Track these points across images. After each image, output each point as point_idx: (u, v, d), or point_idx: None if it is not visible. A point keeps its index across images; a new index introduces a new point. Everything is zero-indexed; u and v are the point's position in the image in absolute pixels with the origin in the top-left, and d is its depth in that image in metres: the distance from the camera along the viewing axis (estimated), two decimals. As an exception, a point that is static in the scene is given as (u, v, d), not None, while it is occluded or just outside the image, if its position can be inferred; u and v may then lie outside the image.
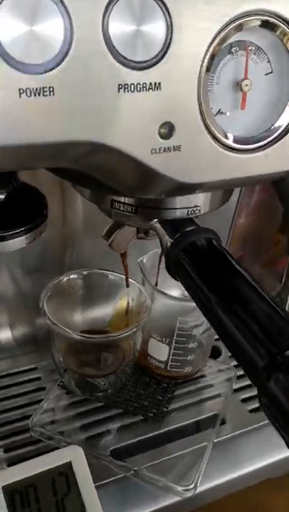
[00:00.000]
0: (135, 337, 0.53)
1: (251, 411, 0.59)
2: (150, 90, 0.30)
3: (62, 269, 0.61)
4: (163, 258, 0.49)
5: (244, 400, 0.60)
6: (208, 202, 0.43)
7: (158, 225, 0.45)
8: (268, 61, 0.34)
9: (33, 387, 0.60)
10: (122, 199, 0.42)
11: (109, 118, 0.29)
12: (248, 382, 0.62)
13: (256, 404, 0.59)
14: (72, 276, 0.55)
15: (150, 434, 0.55)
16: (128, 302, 0.55)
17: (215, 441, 0.54)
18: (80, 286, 0.56)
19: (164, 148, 0.31)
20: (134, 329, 0.50)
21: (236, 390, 0.61)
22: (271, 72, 0.34)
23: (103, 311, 0.58)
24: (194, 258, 0.41)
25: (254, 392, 0.61)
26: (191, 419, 0.57)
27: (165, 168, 0.32)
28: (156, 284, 0.55)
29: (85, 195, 0.44)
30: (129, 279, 0.55)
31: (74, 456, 0.48)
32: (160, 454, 0.53)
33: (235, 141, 0.34)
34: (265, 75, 0.34)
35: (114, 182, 0.35)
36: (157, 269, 0.55)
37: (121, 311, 0.57)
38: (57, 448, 0.51)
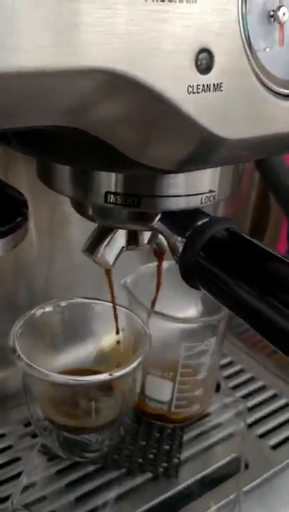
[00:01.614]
0: (136, 374, 0.42)
1: (274, 447, 0.49)
2: (184, 1, 0.22)
3: (15, 309, 0.50)
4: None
5: (262, 436, 0.51)
6: (221, 186, 0.35)
7: (161, 225, 0.36)
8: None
9: (5, 458, 0.47)
10: (120, 189, 0.33)
11: (134, 37, 0.21)
12: (262, 413, 0.53)
13: (278, 438, 0.50)
14: (46, 309, 0.44)
15: (166, 495, 0.44)
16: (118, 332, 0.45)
17: (244, 490, 0.44)
18: (58, 319, 0.45)
19: (203, 86, 0.23)
20: (137, 362, 0.40)
21: (250, 425, 0.51)
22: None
23: (87, 349, 0.48)
24: (219, 255, 0.32)
25: (271, 424, 0.52)
26: (209, 468, 0.46)
27: (203, 115, 0.24)
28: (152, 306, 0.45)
29: (63, 189, 0.34)
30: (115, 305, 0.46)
31: None
32: (183, 518, 0.42)
33: (282, 84, 0.27)
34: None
35: (121, 142, 0.25)
36: (156, 285, 0.46)
37: (108, 345, 0.47)
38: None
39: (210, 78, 0.23)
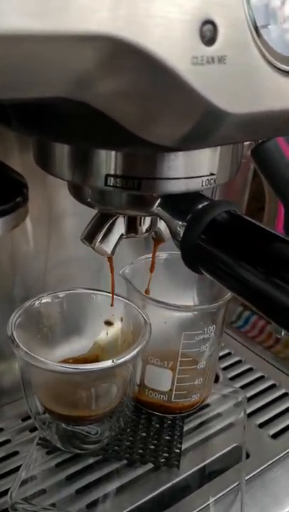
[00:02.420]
0: (136, 363, 0.42)
1: (274, 436, 0.49)
2: None
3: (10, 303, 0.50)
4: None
5: (262, 425, 0.50)
6: (221, 170, 0.35)
7: (161, 210, 0.36)
8: None
9: (3, 452, 0.46)
10: (121, 171, 0.32)
11: (138, 4, 0.20)
12: (261, 403, 0.53)
13: (277, 428, 0.50)
14: (45, 299, 0.44)
15: (168, 485, 0.43)
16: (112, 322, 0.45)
17: (246, 479, 0.44)
18: (57, 310, 0.44)
19: (208, 58, 0.23)
20: (137, 350, 0.39)
21: (249, 415, 0.51)
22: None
23: (86, 339, 0.47)
24: (221, 237, 0.32)
25: (270, 413, 0.52)
26: (210, 457, 0.46)
27: (207, 88, 0.24)
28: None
29: (61, 172, 0.34)
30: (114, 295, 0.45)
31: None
32: (186, 508, 0.41)
33: (285, 61, 0.26)
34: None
35: (124, 115, 0.25)
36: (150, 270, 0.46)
37: (107, 335, 0.46)
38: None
39: (214, 50, 0.23)
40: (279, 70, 0.26)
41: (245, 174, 0.71)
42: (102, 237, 0.40)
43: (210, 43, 0.23)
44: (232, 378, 0.56)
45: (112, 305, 0.45)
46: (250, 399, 0.53)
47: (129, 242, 0.54)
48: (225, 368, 0.58)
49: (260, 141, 0.43)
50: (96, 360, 0.45)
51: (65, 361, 0.45)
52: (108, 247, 0.40)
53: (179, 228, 0.34)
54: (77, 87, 0.22)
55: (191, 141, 0.27)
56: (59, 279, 0.54)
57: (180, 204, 0.34)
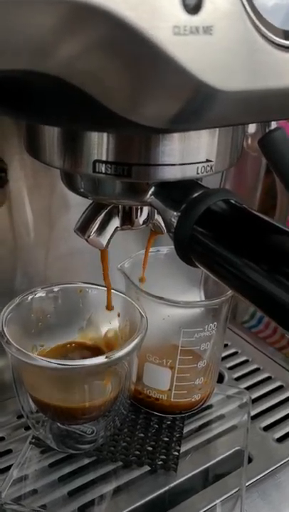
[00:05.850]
0: (132, 359, 0.40)
1: (279, 440, 0.47)
2: None
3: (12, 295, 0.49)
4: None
5: (266, 428, 0.48)
6: (219, 156, 0.33)
7: (154, 199, 0.34)
8: None
9: (-3, 451, 0.45)
10: (110, 157, 0.30)
11: None
12: (266, 405, 0.51)
13: (283, 431, 0.48)
14: (39, 294, 0.42)
15: (164, 489, 0.41)
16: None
17: (247, 484, 0.42)
18: (51, 305, 0.43)
19: (191, 28, 0.21)
20: (132, 345, 0.37)
21: (253, 417, 0.49)
22: None
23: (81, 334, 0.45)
24: (216, 228, 0.30)
25: (276, 416, 0.50)
26: (210, 461, 0.44)
27: (191, 60, 0.22)
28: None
29: (51, 160, 0.32)
30: (111, 290, 0.43)
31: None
32: (182, 513, 0.39)
33: (279, 33, 0.24)
34: None
35: (104, 93, 0.23)
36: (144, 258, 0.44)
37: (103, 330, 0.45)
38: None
39: (199, 20, 0.21)
40: (275, 44, 0.24)
41: (257, 169, 0.69)
42: (97, 229, 0.38)
43: (194, 12, 0.21)
44: (237, 378, 0.54)
45: (108, 304, 0.43)
46: (256, 400, 0.51)
47: (129, 235, 0.52)
48: (231, 368, 0.56)
49: (267, 131, 0.40)
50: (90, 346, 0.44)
51: (64, 346, 0.44)
52: (103, 239, 0.38)
53: (173, 219, 0.32)
54: (40, 58, 0.20)
55: (182, 122, 0.25)
56: (61, 272, 0.52)
57: (174, 193, 0.32)
